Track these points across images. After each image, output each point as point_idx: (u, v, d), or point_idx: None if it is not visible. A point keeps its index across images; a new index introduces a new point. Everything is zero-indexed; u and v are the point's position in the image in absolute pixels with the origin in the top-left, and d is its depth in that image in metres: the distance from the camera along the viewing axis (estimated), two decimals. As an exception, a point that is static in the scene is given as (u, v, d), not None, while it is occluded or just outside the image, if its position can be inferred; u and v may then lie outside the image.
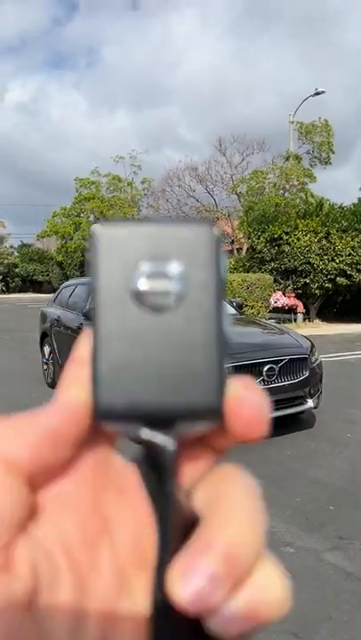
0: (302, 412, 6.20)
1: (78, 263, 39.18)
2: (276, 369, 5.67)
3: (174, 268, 0.30)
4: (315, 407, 6.13)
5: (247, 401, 0.29)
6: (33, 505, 0.28)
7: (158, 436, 0.29)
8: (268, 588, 0.28)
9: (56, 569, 0.28)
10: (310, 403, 6.00)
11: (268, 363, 5.64)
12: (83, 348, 0.31)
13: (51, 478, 0.29)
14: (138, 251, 0.30)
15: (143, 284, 0.30)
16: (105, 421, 0.30)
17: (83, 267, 38.25)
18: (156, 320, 0.30)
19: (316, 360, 6.27)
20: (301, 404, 5.97)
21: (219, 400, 0.29)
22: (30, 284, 45.90)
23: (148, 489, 0.30)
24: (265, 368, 5.60)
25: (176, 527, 0.29)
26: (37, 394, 7.85)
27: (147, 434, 0.29)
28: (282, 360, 5.76)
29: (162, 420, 0.29)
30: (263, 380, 5.57)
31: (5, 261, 45.36)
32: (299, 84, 61.39)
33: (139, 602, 0.29)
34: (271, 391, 5.54)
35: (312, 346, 6.32)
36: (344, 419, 6.47)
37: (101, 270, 0.30)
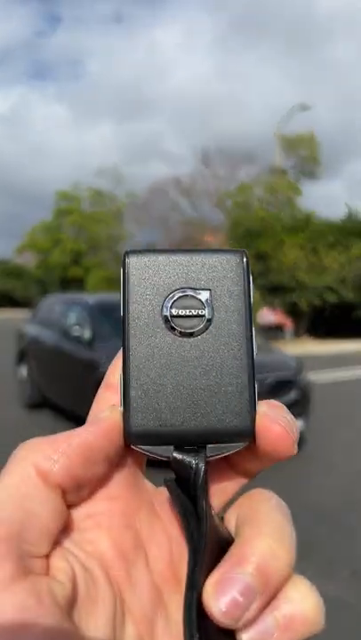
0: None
1: (58, 280, 38.70)
2: (263, 389, 5.40)
3: (204, 295, 0.32)
4: (303, 429, 5.93)
5: (276, 418, 0.32)
6: (68, 521, 0.30)
7: (189, 459, 0.31)
8: (302, 603, 0.29)
9: (95, 582, 0.30)
10: (298, 424, 5.73)
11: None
12: (115, 374, 0.34)
13: (84, 496, 0.31)
14: (168, 279, 0.32)
15: (174, 310, 0.32)
16: (136, 445, 0.31)
17: (63, 283, 37.81)
18: (187, 345, 0.32)
19: (305, 380, 6.08)
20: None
21: (250, 422, 0.31)
22: (8, 301, 45.26)
23: (180, 510, 0.32)
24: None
25: (209, 547, 0.30)
26: (9, 414, 7.59)
27: (178, 456, 0.31)
28: (269, 380, 5.53)
29: (193, 443, 0.31)
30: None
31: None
32: (286, 98, 61.85)
33: (174, 618, 0.32)
34: None
35: (301, 365, 6.13)
36: (334, 440, 6.35)
37: (132, 298, 0.32)
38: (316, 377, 9.14)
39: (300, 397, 5.84)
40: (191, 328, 0.31)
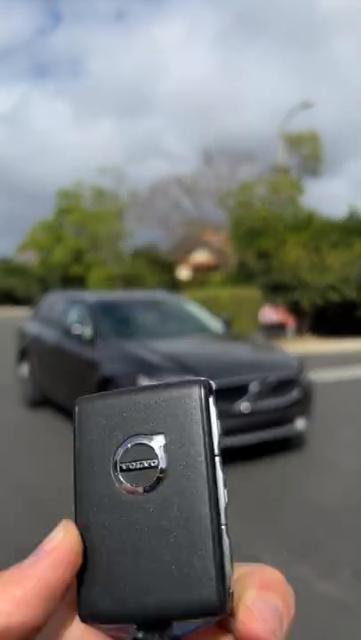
0: (291, 434, 5.93)
1: (60, 278, 38.73)
2: (264, 389, 5.40)
3: (157, 440, 0.29)
4: (303, 428, 5.92)
5: (258, 616, 0.27)
6: None
7: (151, 637, 0.28)
8: None
9: None
10: (300, 424, 5.78)
11: (255, 382, 5.36)
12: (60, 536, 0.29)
13: (42, 627, 0.28)
14: (119, 424, 0.29)
15: (124, 465, 0.29)
16: (91, 624, 0.29)
17: (64, 281, 37.80)
18: (142, 503, 0.28)
19: (307, 379, 6.05)
20: (290, 425, 5.74)
21: (216, 594, 0.27)
22: (10, 300, 45.31)
23: None
24: (252, 388, 5.33)
25: None
26: (11, 412, 7.61)
27: (141, 637, 0.28)
28: (270, 379, 5.49)
29: (156, 622, 0.28)
30: (250, 400, 5.30)
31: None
32: (288, 96, 61.75)
33: None
34: (259, 412, 5.40)
35: (302, 364, 6.10)
36: (335, 441, 6.31)
37: (83, 452, 0.29)
38: (317, 376, 9.12)
39: (302, 397, 5.81)
40: (144, 483, 0.28)
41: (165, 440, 0.28)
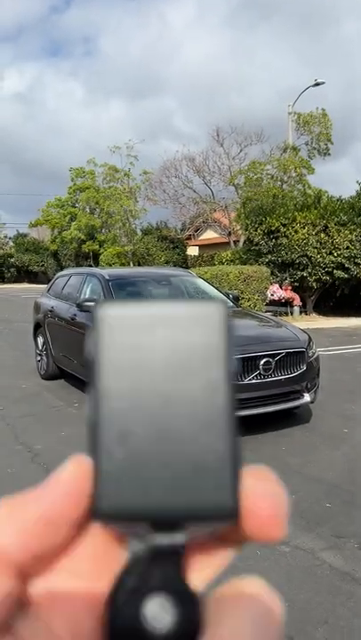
0: (298, 407, 6.13)
1: (73, 253, 38.94)
2: (273, 363, 5.57)
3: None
4: (311, 402, 6.06)
5: (263, 498, 0.27)
6: (23, 597, 0.27)
7: (165, 539, 0.27)
8: None
9: None
10: (307, 397, 5.93)
11: (264, 356, 5.54)
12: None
13: (45, 566, 0.27)
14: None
15: None
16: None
17: (78, 257, 38.02)
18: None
19: (314, 354, 6.17)
20: (298, 398, 5.89)
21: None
22: (25, 275, 45.60)
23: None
24: (261, 362, 5.50)
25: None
26: (27, 385, 7.81)
27: (153, 536, 0.27)
28: (279, 354, 5.66)
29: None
30: (260, 373, 5.47)
31: (0, 252, 45.10)
32: (297, 76, 61.03)
33: None
34: (267, 385, 5.52)
35: (310, 339, 6.23)
36: (341, 414, 6.39)
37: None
38: (324, 352, 9.25)
39: (309, 371, 5.91)
40: None
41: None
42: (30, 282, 44.35)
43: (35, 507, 0.26)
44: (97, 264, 32.89)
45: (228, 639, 0.25)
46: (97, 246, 35.69)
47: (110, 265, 29.73)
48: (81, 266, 31.79)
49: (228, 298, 7.66)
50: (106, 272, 7.62)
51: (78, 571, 0.27)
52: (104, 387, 0.27)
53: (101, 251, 34.08)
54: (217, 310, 0.28)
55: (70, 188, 38.75)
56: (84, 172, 37.31)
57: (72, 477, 0.26)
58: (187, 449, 0.26)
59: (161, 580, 0.26)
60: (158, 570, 0.27)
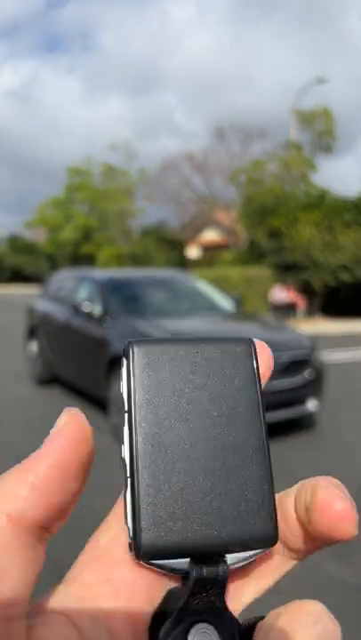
0: (302, 415, 5.92)
1: (69, 256, 38.62)
2: (276, 368, 5.31)
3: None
4: (316, 409, 5.87)
5: (338, 493, 0.28)
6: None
7: (207, 570, 0.28)
8: None
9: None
10: (311, 405, 5.72)
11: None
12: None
13: (62, 515, 0.28)
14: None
15: None
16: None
17: (74, 259, 37.71)
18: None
19: (319, 359, 5.98)
20: (302, 405, 5.71)
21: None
22: (19, 277, 45.32)
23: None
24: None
25: None
26: (20, 390, 7.64)
27: (195, 570, 0.28)
28: (282, 359, 5.42)
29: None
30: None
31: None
32: (300, 73, 60.91)
33: None
34: (270, 392, 5.34)
35: (314, 344, 6.01)
36: (346, 422, 6.25)
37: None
38: (329, 356, 9.04)
39: (314, 377, 5.75)
40: None
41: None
42: (24, 284, 44.06)
43: (45, 461, 0.26)
44: (93, 266, 32.73)
45: None
46: (94, 248, 35.46)
47: (107, 267, 29.55)
48: (77, 267, 31.65)
49: (230, 300, 7.44)
50: (101, 274, 7.43)
51: (131, 599, 0.28)
52: (142, 426, 0.28)
53: (99, 252, 33.86)
54: (245, 349, 0.31)
55: (67, 187, 38.55)
56: (79, 171, 37.10)
57: (71, 425, 0.28)
58: (227, 485, 0.28)
59: (205, 607, 0.27)
60: (201, 598, 0.27)
